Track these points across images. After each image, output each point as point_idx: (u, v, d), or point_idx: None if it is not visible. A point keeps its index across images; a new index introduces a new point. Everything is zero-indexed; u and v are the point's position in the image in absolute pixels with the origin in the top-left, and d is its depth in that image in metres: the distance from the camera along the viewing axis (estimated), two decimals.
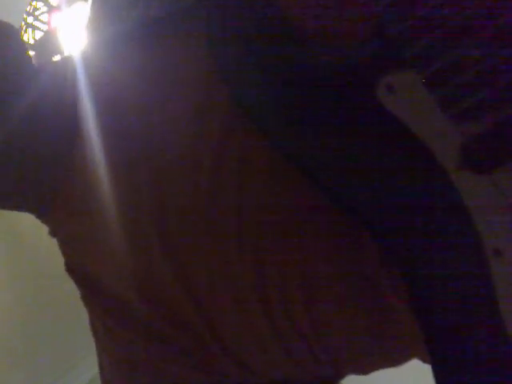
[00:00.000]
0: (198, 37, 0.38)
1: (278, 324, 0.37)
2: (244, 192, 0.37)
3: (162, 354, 0.41)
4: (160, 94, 0.40)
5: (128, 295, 0.41)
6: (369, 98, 0.29)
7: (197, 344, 0.39)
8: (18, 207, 0.47)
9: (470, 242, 0.29)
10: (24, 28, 1.42)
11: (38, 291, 1.68)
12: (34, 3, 1.43)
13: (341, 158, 0.32)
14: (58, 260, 0.47)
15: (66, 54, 1.37)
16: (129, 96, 0.41)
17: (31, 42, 1.42)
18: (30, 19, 1.43)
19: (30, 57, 0.45)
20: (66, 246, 0.46)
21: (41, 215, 0.47)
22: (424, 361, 0.38)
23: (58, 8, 1.44)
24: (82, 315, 0.46)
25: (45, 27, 1.43)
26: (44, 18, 1.44)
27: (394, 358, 0.42)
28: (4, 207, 0.47)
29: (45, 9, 1.44)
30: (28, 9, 1.43)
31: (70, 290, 0.47)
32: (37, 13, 1.43)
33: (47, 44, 1.39)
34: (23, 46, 0.46)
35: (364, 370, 0.43)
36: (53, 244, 0.47)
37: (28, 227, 1.55)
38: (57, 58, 1.40)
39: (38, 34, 1.43)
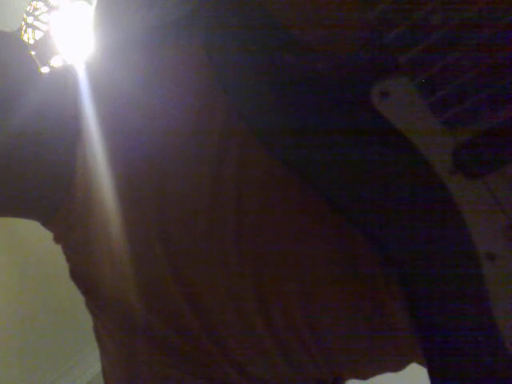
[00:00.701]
0: (198, 45, 0.39)
1: (276, 329, 0.37)
2: (243, 198, 0.37)
3: (163, 358, 0.41)
4: (162, 101, 0.40)
5: (129, 301, 0.41)
6: (364, 104, 0.29)
7: (196, 349, 0.40)
8: (22, 216, 0.47)
9: (463, 246, 0.30)
10: (24, 28, 1.42)
11: (38, 291, 1.69)
12: (33, 3, 1.43)
13: (339, 163, 0.33)
14: (59, 260, 0.47)
15: (65, 54, 1.37)
16: (131, 103, 0.41)
17: (31, 42, 1.42)
18: (29, 19, 1.43)
19: (34, 61, 0.45)
20: (69, 253, 0.46)
21: (44, 224, 0.47)
22: (423, 364, 0.38)
23: (57, 8, 1.44)
24: (82, 315, 0.47)
25: (45, 27, 1.43)
26: (44, 17, 1.44)
27: (393, 363, 0.42)
28: (8, 216, 0.47)
29: (45, 9, 1.44)
30: (28, 9, 1.43)
31: (70, 290, 0.48)
32: (37, 13, 1.43)
33: (47, 44, 1.39)
34: (26, 53, 0.46)
35: (363, 375, 0.43)
36: (52, 244, 0.48)
37: (29, 227, 1.55)
38: (56, 58, 1.40)
39: (38, 34, 1.43)
